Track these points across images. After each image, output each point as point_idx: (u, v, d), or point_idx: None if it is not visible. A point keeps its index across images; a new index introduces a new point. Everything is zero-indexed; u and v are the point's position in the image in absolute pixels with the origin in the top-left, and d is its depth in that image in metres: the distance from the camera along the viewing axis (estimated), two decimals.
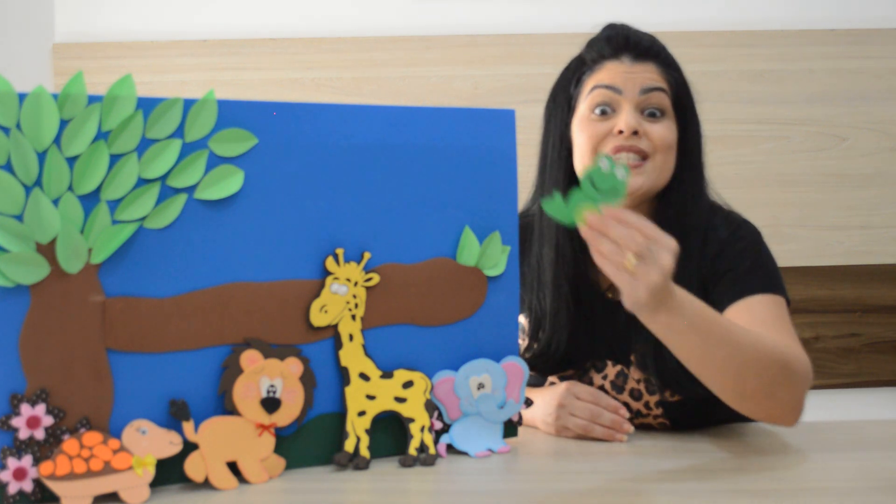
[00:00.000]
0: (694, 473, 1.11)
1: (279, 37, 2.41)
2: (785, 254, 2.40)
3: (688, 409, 1.33)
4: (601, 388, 1.37)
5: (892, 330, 2.42)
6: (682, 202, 1.35)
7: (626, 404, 1.36)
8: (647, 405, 1.36)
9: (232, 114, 1.07)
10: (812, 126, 2.41)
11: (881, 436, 1.30)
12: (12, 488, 0.96)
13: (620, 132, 1.31)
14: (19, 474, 0.96)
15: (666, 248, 1.03)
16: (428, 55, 2.40)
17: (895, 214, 2.41)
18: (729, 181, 2.37)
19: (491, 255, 1.21)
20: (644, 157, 1.32)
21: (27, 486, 0.97)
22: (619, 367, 1.37)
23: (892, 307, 2.41)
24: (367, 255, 1.14)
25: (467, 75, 2.40)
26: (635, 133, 1.31)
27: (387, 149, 1.15)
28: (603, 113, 1.33)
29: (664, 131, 1.33)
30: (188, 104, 1.05)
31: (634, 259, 1.01)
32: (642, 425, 1.37)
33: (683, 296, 1.09)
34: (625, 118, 1.31)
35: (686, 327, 1.09)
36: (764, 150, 2.40)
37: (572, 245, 1.36)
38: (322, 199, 1.12)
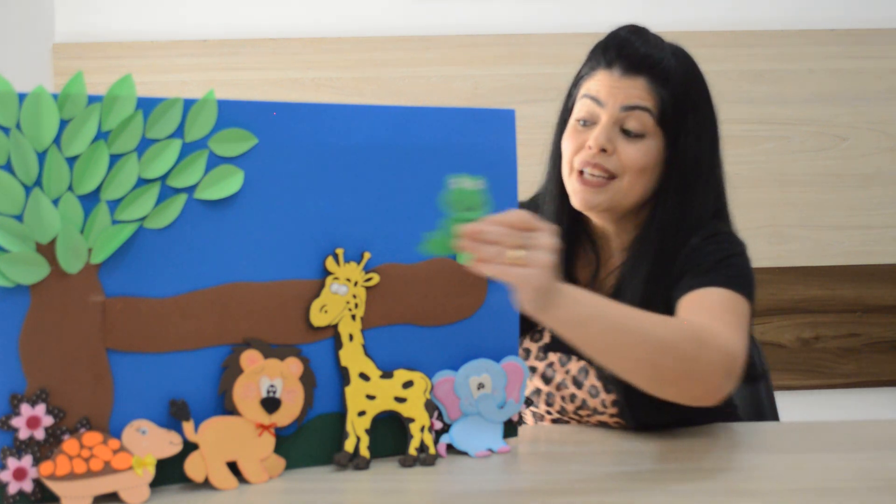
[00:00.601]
0: (693, 474, 1.11)
1: (279, 37, 2.40)
2: (785, 254, 2.40)
3: (641, 410, 1.32)
4: (562, 382, 1.38)
5: (892, 330, 2.42)
6: (664, 223, 1.33)
7: (584, 401, 1.36)
8: (603, 403, 1.36)
9: (232, 114, 1.07)
10: (812, 126, 2.41)
11: (881, 436, 1.30)
12: (12, 488, 0.96)
13: (591, 147, 1.31)
14: (19, 474, 0.96)
15: (544, 231, 1.03)
16: (428, 55, 2.40)
17: (895, 214, 2.41)
18: (729, 181, 2.36)
19: None
20: (609, 176, 1.31)
21: (27, 486, 0.97)
22: (582, 363, 1.37)
23: (892, 307, 2.41)
24: (367, 255, 1.14)
25: (467, 75, 2.40)
26: (605, 150, 1.30)
27: (387, 149, 1.15)
28: (585, 124, 1.33)
29: (636, 153, 1.31)
30: (188, 104, 1.05)
31: (518, 252, 1.01)
32: (601, 424, 1.37)
33: (574, 290, 1.08)
34: (595, 134, 1.31)
35: (585, 318, 1.07)
36: (764, 150, 2.40)
37: (572, 243, 1.37)
38: (322, 199, 1.12)
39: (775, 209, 2.39)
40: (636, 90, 1.31)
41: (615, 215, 1.36)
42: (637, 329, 1.10)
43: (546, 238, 1.03)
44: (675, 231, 1.33)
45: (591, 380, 1.36)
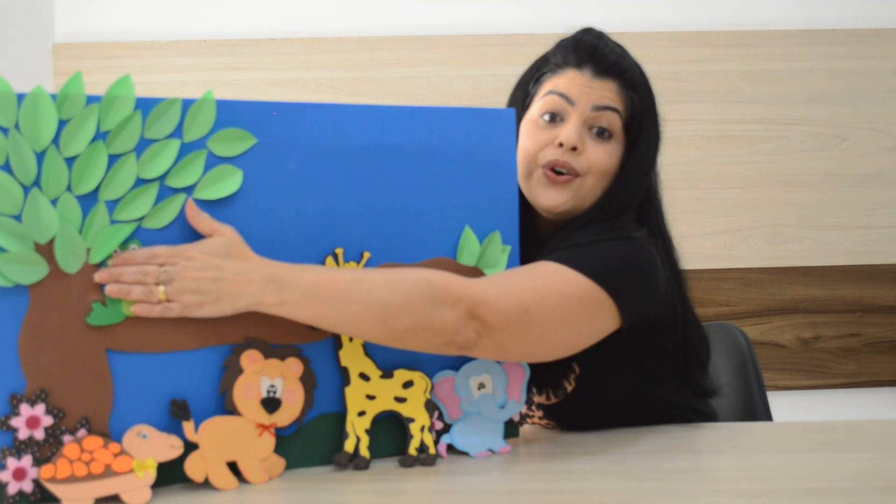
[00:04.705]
0: (694, 473, 1.11)
1: (279, 37, 2.40)
2: (785, 254, 2.40)
3: (568, 412, 1.33)
4: None
5: (892, 330, 2.42)
6: (586, 220, 1.31)
7: None
8: (529, 407, 1.37)
9: (230, 114, 1.07)
10: (812, 126, 2.41)
11: (881, 436, 1.30)
12: (12, 488, 0.96)
13: (560, 144, 1.29)
14: (19, 474, 0.96)
15: (181, 256, 1.01)
16: (428, 55, 2.40)
17: (895, 214, 2.41)
18: (729, 181, 2.37)
19: (491, 254, 1.21)
20: (574, 175, 1.30)
21: (27, 486, 0.96)
22: None
23: (892, 307, 2.41)
24: (366, 255, 1.14)
25: (467, 75, 2.40)
26: (574, 149, 1.29)
27: (387, 149, 1.15)
28: (551, 119, 1.32)
29: (604, 155, 1.30)
30: (186, 104, 1.05)
31: (162, 287, 1.01)
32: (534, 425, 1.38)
33: (290, 271, 1.05)
34: (567, 131, 1.29)
35: (300, 298, 1.04)
36: (764, 150, 2.40)
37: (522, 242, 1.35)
38: (322, 199, 1.12)
39: (775, 209, 2.39)
40: (607, 91, 1.30)
41: (564, 217, 1.33)
42: (360, 296, 1.06)
43: (190, 261, 1.01)
44: (586, 225, 1.30)
45: None
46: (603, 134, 1.30)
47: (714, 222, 2.36)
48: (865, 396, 2.42)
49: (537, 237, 1.36)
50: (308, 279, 1.05)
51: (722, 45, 2.39)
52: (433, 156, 1.18)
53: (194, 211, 1.05)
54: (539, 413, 1.36)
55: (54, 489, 0.96)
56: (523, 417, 1.36)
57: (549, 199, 1.31)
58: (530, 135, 1.33)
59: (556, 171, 1.30)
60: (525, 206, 1.34)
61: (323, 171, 1.12)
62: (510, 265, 1.22)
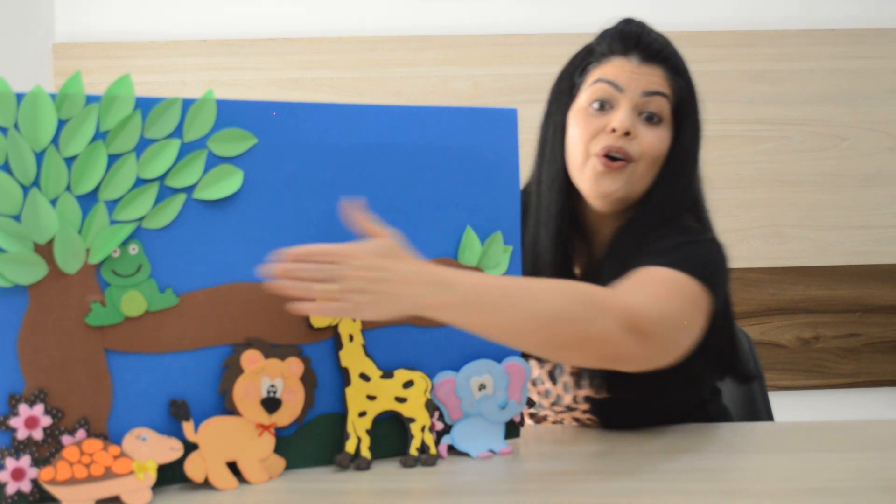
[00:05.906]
0: (694, 473, 1.11)
1: (279, 37, 2.40)
2: (785, 254, 2.39)
3: (614, 408, 1.33)
4: (538, 377, 1.38)
5: (892, 330, 2.41)
6: (647, 218, 1.33)
7: (558, 396, 1.37)
8: (575, 399, 1.36)
9: (231, 114, 1.07)
10: (812, 126, 2.41)
11: (881, 436, 1.30)
12: (10, 489, 0.96)
13: (613, 130, 1.29)
14: (17, 475, 0.96)
15: (347, 255, 1.01)
16: (428, 55, 2.40)
17: (895, 214, 2.41)
18: (729, 181, 2.37)
19: (493, 255, 1.21)
20: (628, 160, 1.30)
21: (25, 486, 0.96)
22: None
23: (892, 307, 2.41)
24: None
25: (467, 75, 2.40)
26: (627, 134, 1.30)
27: (387, 149, 1.15)
28: (601, 107, 1.32)
29: (655, 140, 1.31)
30: (187, 104, 1.05)
31: (325, 286, 1.01)
32: (576, 420, 1.38)
33: (449, 275, 1.05)
34: (620, 117, 1.30)
35: (460, 303, 1.04)
36: (764, 150, 2.40)
37: (570, 234, 1.36)
38: (322, 199, 1.12)
39: (775, 209, 2.39)
40: (655, 77, 1.32)
41: (616, 207, 1.34)
42: (520, 304, 1.06)
43: (356, 262, 1.01)
44: (658, 225, 1.32)
45: (565, 376, 1.36)
46: (653, 119, 1.31)
47: (714, 222, 2.36)
48: (865, 396, 2.42)
49: (586, 230, 1.37)
50: (471, 283, 1.05)
51: (722, 45, 2.39)
52: (434, 156, 1.18)
53: (354, 211, 1.04)
54: (584, 407, 1.35)
55: (55, 491, 0.96)
56: (566, 410, 1.36)
57: (604, 186, 1.31)
58: (580, 123, 1.33)
59: (611, 157, 1.30)
60: (570, 199, 1.35)
61: (323, 171, 1.12)
62: (511, 266, 1.22)
